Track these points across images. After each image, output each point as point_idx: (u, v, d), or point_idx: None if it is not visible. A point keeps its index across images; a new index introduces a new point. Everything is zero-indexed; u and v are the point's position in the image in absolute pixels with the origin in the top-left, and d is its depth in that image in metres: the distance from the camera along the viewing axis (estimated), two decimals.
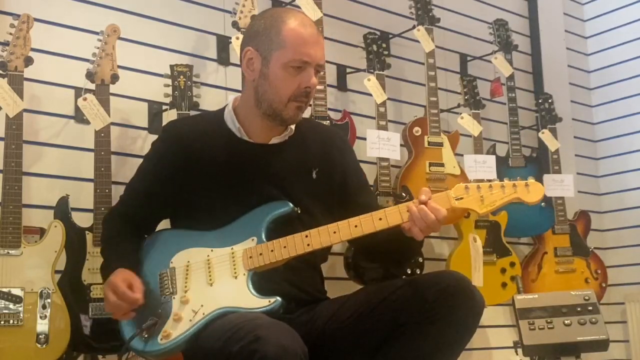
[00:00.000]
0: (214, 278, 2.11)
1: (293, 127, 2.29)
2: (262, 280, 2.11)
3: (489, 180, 2.11)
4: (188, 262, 2.16)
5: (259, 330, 1.80)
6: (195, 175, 2.22)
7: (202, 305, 2.07)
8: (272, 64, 2.16)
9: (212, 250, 2.15)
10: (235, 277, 2.10)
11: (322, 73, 3.21)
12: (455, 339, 2.05)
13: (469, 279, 2.10)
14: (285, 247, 2.09)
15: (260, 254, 2.10)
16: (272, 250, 2.09)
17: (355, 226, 2.09)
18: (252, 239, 2.13)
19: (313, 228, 2.12)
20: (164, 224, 2.74)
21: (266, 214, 2.16)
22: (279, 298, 2.04)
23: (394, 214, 2.08)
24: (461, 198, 2.08)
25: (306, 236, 2.09)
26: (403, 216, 2.07)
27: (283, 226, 2.16)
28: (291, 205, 2.17)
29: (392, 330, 2.06)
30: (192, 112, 2.99)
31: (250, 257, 2.10)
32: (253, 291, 2.07)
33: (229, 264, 2.12)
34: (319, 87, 3.24)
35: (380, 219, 2.08)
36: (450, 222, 3.56)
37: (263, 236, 2.13)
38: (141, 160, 2.44)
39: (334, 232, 2.09)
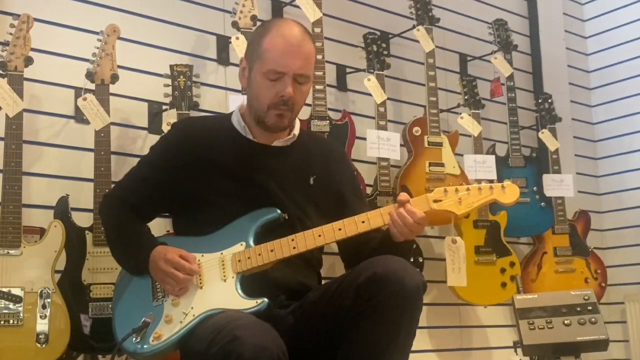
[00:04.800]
0: (204, 281, 2.17)
1: (296, 133, 2.36)
2: (254, 275, 2.17)
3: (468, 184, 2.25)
4: None
5: (237, 331, 1.86)
6: (199, 167, 2.27)
7: (192, 307, 2.12)
8: (254, 73, 2.26)
9: (202, 255, 2.20)
10: (225, 280, 2.16)
11: (322, 73, 3.24)
12: (389, 332, 1.99)
13: (404, 264, 2.05)
14: (272, 250, 2.15)
15: (249, 258, 2.16)
16: (259, 254, 2.16)
17: (339, 229, 2.17)
18: (241, 244, 2.19)
19: (308, 229, 2.19)
20: (163, 224, 2.75)
21: (255, 220, 2.22)
22: (265, 299, 2.09)
23: (376, 216, 2.17)
24: (440, 200, 2.19)
25: (292, 239, 2.16)
26: (384, 218, 2.17)
27: (281, 228, 2.21)
28: (278, 211, 2.23)
29: (338, 327, 2.05)
30: (192, 112, 2.99)
31: (239, 260, 2.17)
32: (241, 293, 2.13)
33: (218, 268, 2.18)
34: (319, 87, 3.25)
35: (363, 221, 2.17)
36: (443, 223, 3.56)
37: (251, 241, 2.19)
38: None
39: (319, 236, 2.17)
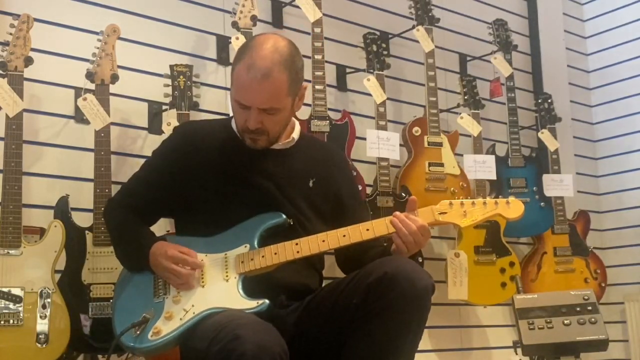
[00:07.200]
0: (206, 280, 2.18)
1: (296, 137, 2.37)
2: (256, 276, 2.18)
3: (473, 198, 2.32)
4: None
5: (239, 330, 1.86)
6: (199, 170, 2.29)
7: (193, 305, 2.13)
8: (231, 95, 2.25)
9: (205, 255, 2.22)
10: (227, 280, 2.17)
11: (322, 73, 3.24)
12: (397, 332, 2.00)
13: (414, 265, 2.06)
14: (276, 253, 2.17)
15: (252, 260, 2.18)
16: (263, 256, 2.17)
17: (344, 235, 2.19)
18: (245, 246, 2.21)
19: (310, 231, 2.22)
20: (163, 224, 2.75)
21: (260, 224, 2.23)
22: (266, 300, 2.10)
23: (381, 225, 2.20)
24: (445, 213, 2.24)
25: (296, 244, 2.18)
26: (389, 227, 2.19)
27: (281, 230, 2.23)
28: (284, 216, 2.24)
29: (345, 326, 2.06)
30: (192, 112, 3.00)
31: (242, 261, 2.18)
32: (242, 293, 2.13)
33: (221, 268, 2.19)
34: (319, 87, 3.25)
35: (367, 229, 2.20)
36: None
37: (255, 244, 2.20)
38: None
39: (323, 241, 2.19)
